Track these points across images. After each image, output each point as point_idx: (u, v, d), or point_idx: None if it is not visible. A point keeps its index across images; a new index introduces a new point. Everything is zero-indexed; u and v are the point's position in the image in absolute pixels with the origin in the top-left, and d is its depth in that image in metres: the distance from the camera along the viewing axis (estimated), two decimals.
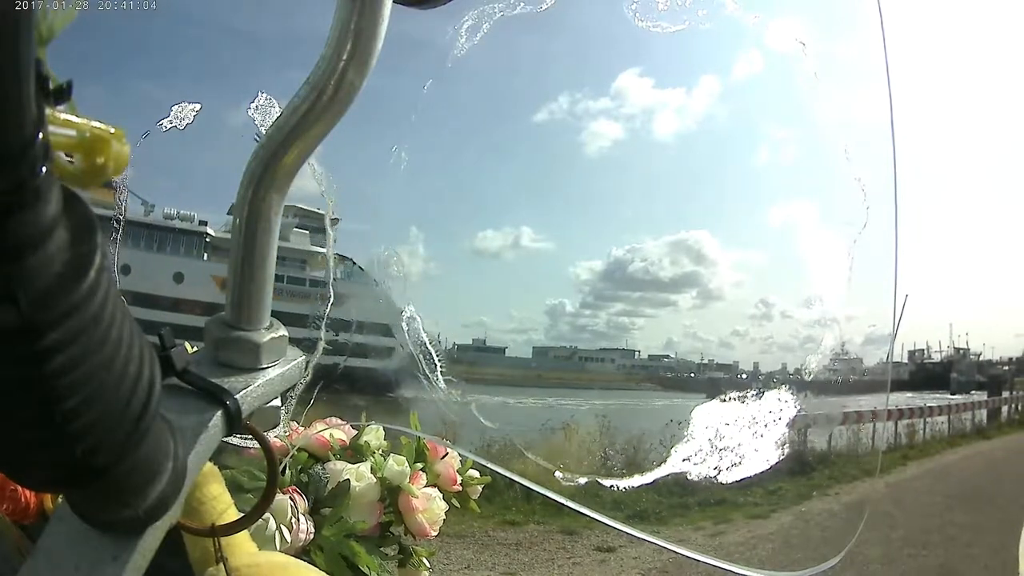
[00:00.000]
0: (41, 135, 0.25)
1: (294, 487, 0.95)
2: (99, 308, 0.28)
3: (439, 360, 0.96)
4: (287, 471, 0.96)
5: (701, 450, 0.91)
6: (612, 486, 1.06)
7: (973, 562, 6.06)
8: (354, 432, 1.09)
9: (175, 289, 34.34)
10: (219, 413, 0.45)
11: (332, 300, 0.88)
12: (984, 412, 17.76)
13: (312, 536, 0.91)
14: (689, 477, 0.92)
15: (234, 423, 0.46)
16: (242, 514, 0.59)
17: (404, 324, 0.97)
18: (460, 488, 1.13)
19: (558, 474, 1.04)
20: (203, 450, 0.44)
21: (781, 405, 0.92)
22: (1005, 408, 18.95)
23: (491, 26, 0.80)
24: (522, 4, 0.78)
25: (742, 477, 0.91)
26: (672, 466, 0.91)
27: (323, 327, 0.83)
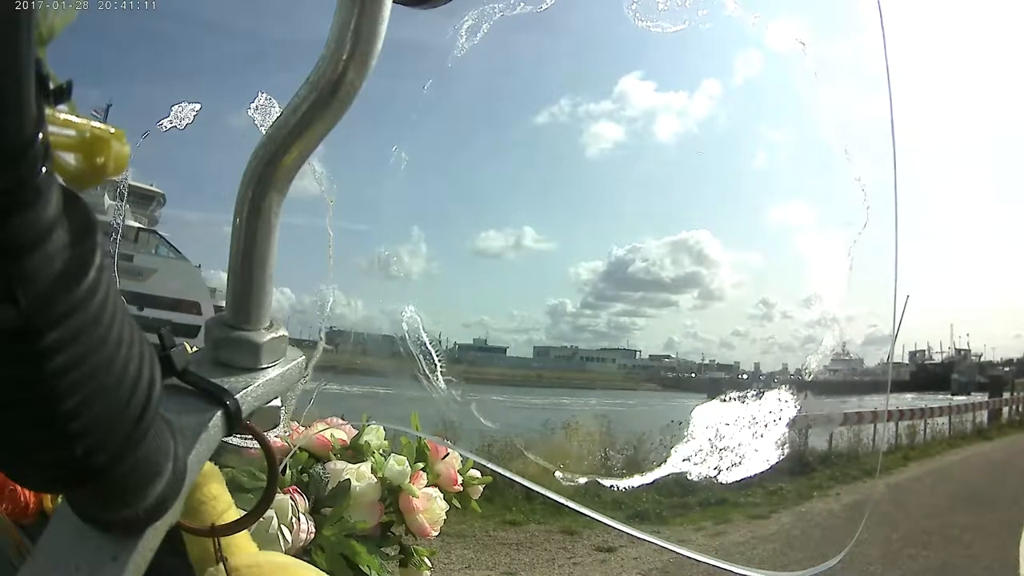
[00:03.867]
0: (41, 135, 0.25)
1: (295, 487, 0.95)
2: (99, 308, 0.28)
3: (439, 360, 0.96)
4: (288, 471, 0.96)
5: (701, 450, 0.91)
6: (612, 486, 1.06)
7: (974, 563, 6.06)
8: (355, 432, 1.09)
9: None
10: (219, 413, 0.45)
11: (332, 300, 0.88)
12: (985, 413, 17.77)
13: (313, 536, 0.91)
14: (689, 477, 0.92)
15: (234, 423, 0.46)
16: (242, 514, 0.59)
17: (404, 324, 0.97)
18: (461, 488, 1.13)
19: (558, 474, 1.04)
20: (203, 450, 0.44)
21: (781, 405, 0.92)
22: (1006, 409, 18.95)
23: (491, 26, 0.80)
24: (522, 4, 0.78)
25: (742, 477, 0.91)
26: (672, 466, 0.91)
27: (323, 326, 0.83)
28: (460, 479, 1.13)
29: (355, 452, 1.06)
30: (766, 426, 0.92)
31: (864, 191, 0.82)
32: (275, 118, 0.48)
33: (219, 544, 0.64)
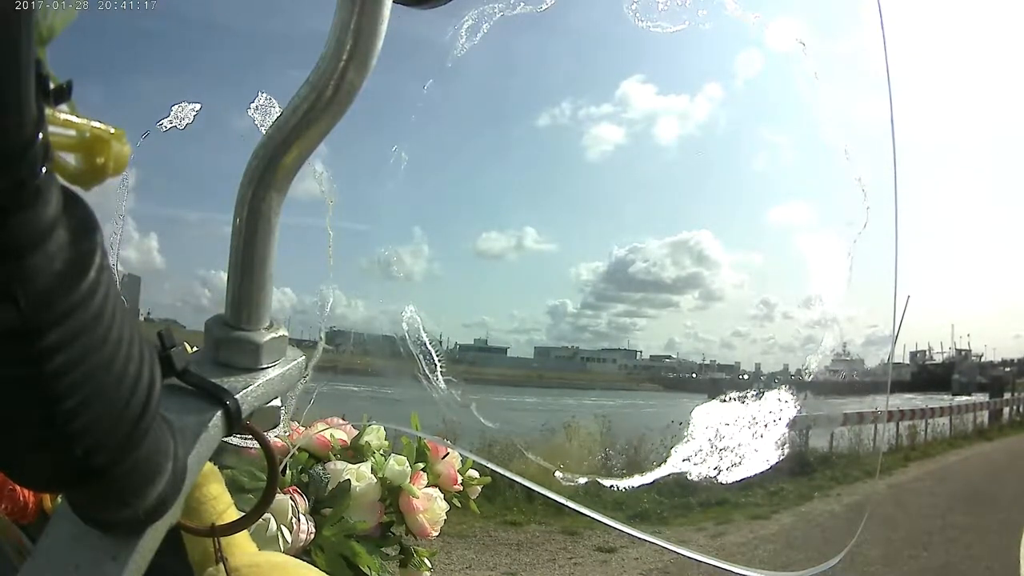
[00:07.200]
0: (41, 135, 0.25)
1: (295, 487, 0.95)
2: (99, 308, 0.28)
3: (439, 360, 0.96)
4: (288, 471, 0.96)
5: (701, 450, 0.91)
6: (613, 486, 1.06)
7: (974, 563, 6.06)
8: (355, 432, 1.09)
9: None
10: (219, 413, 0.45)
11: (332, 300, 0.88)
12: (985, 413, 17.76)
13: (312, 536, 0.91)
14: (690, 477, 0.92)
15: (234, 423, 0.46)
16: (242, 514, 0.59)
17: (405, 324, 0.97)
18: (461, 488, 1.13)
19: (559, 474, 1.04)
20: (203, 450, 0.44)
21: (782, 405, 0.92)
22: (1006, 410, 18.94)
23: (491, 27, 0.80)
24: (522, 4, 0.78)
25: (742, 477, 0.91)
26: (672, 466, 0.91)
27: (323, 326, 0.83)
28: (460, 479, 1.13)
29: (355, 452, 1.06)
30: (766, 426, 0.92)
31: (864, 191, 0.82)
32: (275, 118, 0.49)
33: (219, 544, 0.64)
